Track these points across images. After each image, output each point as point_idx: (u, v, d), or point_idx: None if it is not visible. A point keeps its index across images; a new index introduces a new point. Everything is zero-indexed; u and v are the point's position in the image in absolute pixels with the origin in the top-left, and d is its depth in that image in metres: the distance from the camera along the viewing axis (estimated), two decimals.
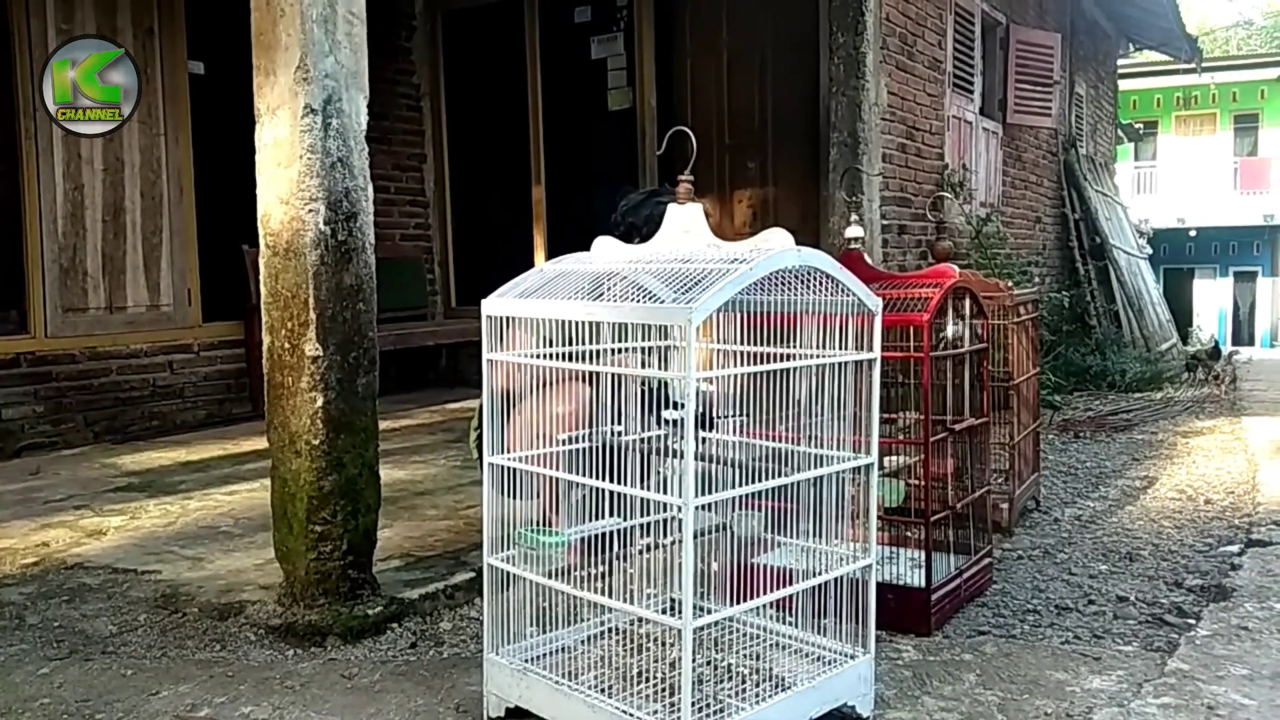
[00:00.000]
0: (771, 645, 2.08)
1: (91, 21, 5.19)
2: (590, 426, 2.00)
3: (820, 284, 1.91)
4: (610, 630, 2.11)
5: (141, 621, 2.66)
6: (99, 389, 5.24)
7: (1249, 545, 3.32)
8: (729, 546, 2.00)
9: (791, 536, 2.03)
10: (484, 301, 2.03)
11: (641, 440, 2.03)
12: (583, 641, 2.08)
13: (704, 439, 2.07)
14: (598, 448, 1.90)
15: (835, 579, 2.00)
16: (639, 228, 2.82)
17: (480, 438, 2.32)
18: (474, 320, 2.48)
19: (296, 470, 2.54)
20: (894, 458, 2.74)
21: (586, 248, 2.52)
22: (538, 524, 2.02)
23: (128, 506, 3.77)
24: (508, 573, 2.02)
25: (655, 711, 1.80)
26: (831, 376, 1.97)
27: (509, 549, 2.03)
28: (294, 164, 2.49)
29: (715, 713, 1.81)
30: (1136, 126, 19.62)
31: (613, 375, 1.93)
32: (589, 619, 2.11)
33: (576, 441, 2.00)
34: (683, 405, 1.72)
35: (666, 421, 1.99)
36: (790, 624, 2.08)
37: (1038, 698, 2.18)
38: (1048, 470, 4.45)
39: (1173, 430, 5.68)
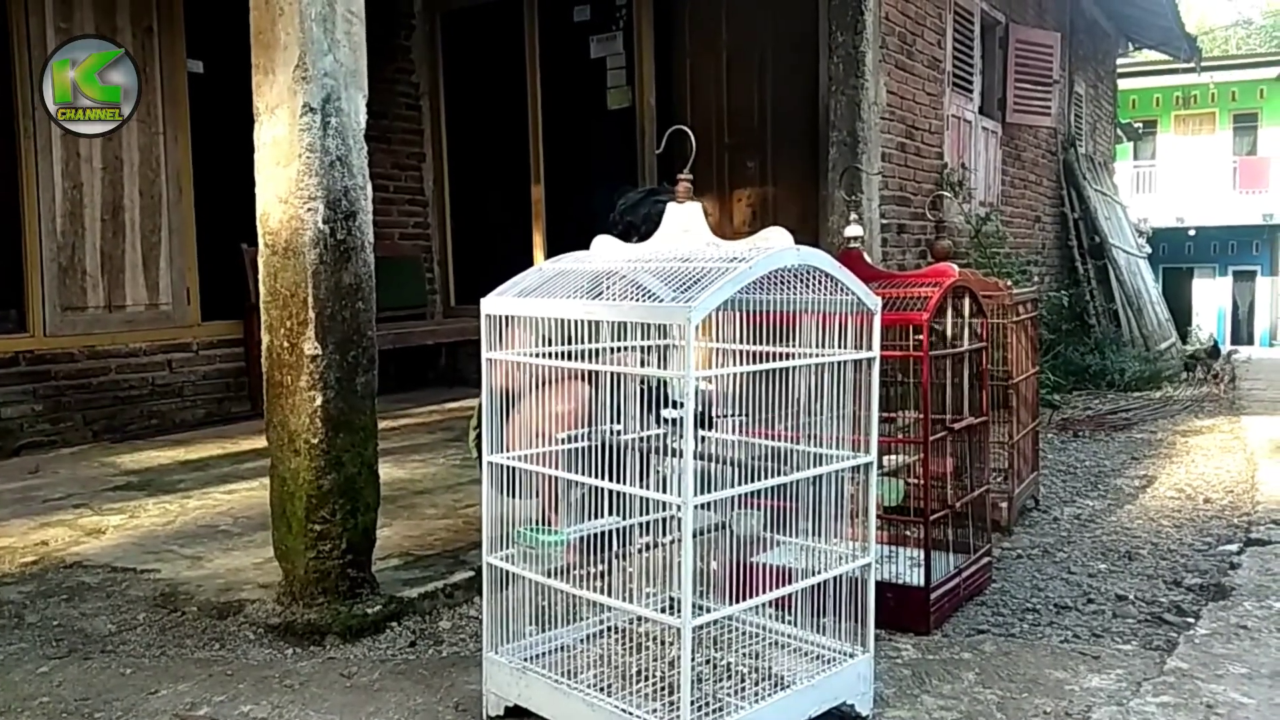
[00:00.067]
0: (771, 644, 2.08)
1: (90, 21, 5.19)
2: (589, 425, 2.00)
3: (820, 283, 1.91)
4: (609, 629, 2.11)
5: (140, 620, 2.66)
6: (98, 388, 5.24)
7: (1248, 544, 3.33)
8: (728, 545, 2.00)
9: (791, 535, 2.03)
10: (483, 300, 2.03)
11: (641, 439, 2.04)
12: (582, 640, 2.08)
13: (703, 438, 2.07)
14: (597, 446, 1.90)
15: (834, 578, 2.00)
16: (637, 226, 2.82)
17: (479, 436, 2.32)
18: (473, 319, 2.48)
19: (295, 469, 2.54)
20: (893, 457, 2.74)
21: (586, 247, 2.52)
22: (537, 523, 2.02)
23: (127, 505, 3.77)
24: (507, 571, 2.02)
25: (654, 710, 1.80)
26: (831, 375, 1.97)
27: (508, 548, 2.03)
28: (293, 163, 2.49)
29: (714, 711, 1.81)
30: (1136, 126, 19.65)
31: (612, 374, 1.93)
32: (588, 618, 2.11)
33: (576, 440, 2.00)
34: (682, 404, 1.72)
35: (666, 420, 1.99)
36: (789, 623, 2.08)
37: (1037, 696, 2.19)
38: (1047, 469, 4.45)
39: (1172, 429, 5.69)
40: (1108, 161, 11.85)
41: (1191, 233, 22.83)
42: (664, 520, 2.00)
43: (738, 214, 6.08)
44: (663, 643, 1.99)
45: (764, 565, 1.97)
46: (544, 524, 2.02)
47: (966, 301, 2.92)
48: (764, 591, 1.90)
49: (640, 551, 1.98)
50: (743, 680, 1.94)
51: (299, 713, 2.15)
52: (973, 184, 7.05)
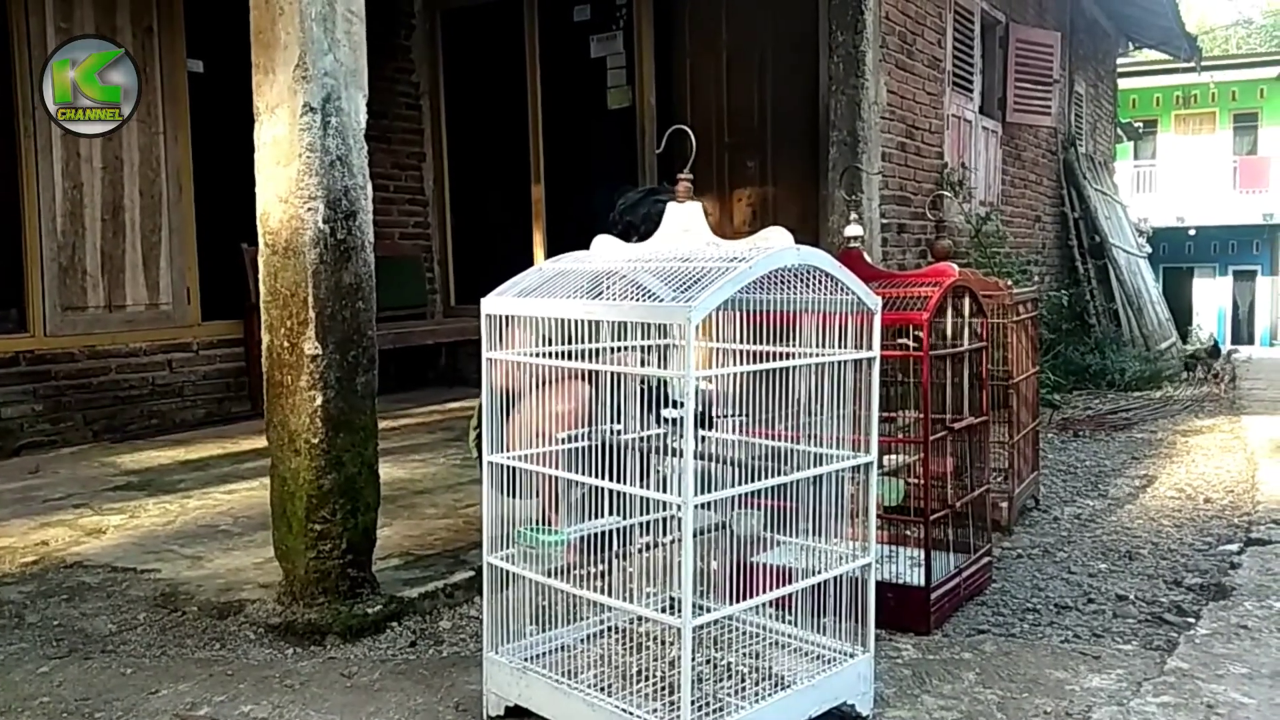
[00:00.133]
0: (771, 644, 2.08)
1: (91, 21, 5.19)
2: (589, 425, 2.00)
3: (820, 282, 1.91)
4: (610, 629, 2.11)
5: (141, 620, 2.66)
6: (98, 387, 5.24)
7: (1248, 544, 3.32)
8: (728, 545, 2.00)
9: (791, 535, 2.03)
10: (483, 300, 2.03)
11: (641, 439, 2.03)
12: (582, 640, 2.08)
13: (703, 437, 2.07)
14: (597, 446, 1.90)
15: (835, 578, 2.00)
16: (636, 226, 2.82)
17: (480, 436, 2.32)
18: (473, 319, 2.48)
19: (296, 469, 2.54)
20: (893, 456, 2.74)
21: (586, 246, 2.52)
22: (537, 522, 2.02)
23: (127, 505, 3.77)
24: (507, 571, 2.02)
25: (655, 710, 1.80)
26: (831, 375, 1.97)
27: (508, 547, 2.03)
28: (293, 162, 2.49)
29: (715, 711, 1.81)
30: (1136, 125, 19.64)
31: (612, 374, 1.93)
32: (588, 618, 2.11)
33: (576, 440, 2.00)
34: (682, 404, 1.72)
35: (666, 420, 1.99)
36: (790, 623, 2.08)
37: (1037, 696, 2.18)
38: (1047, 469, 4.45)
39: (1172, 429, 5.69)
40: (1108, 161, 11.85)
41: (1192, 232, 22.83)
42: (664, 520, 2.00)
43: (738, 214, 6.08)
44: (663, 642, 1.99)
45: (764, 565, 1.97)
46: (544, 524, 2.02)
47: (967, 301, 2.92)
48: (764, 591, 1.90)
49: (640, 551, 1.97)
50: (743, 680, 1.94)
51: (299, 712, 2.15)
52: (973, 183, 7.05)
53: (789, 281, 1.88)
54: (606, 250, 2.53)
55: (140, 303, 5.44)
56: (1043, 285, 8.06)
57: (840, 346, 1.97)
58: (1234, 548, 3.29)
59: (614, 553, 1.97)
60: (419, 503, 3.70)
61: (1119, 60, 12.55)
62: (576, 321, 1.91)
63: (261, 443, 2.90)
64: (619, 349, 1.97)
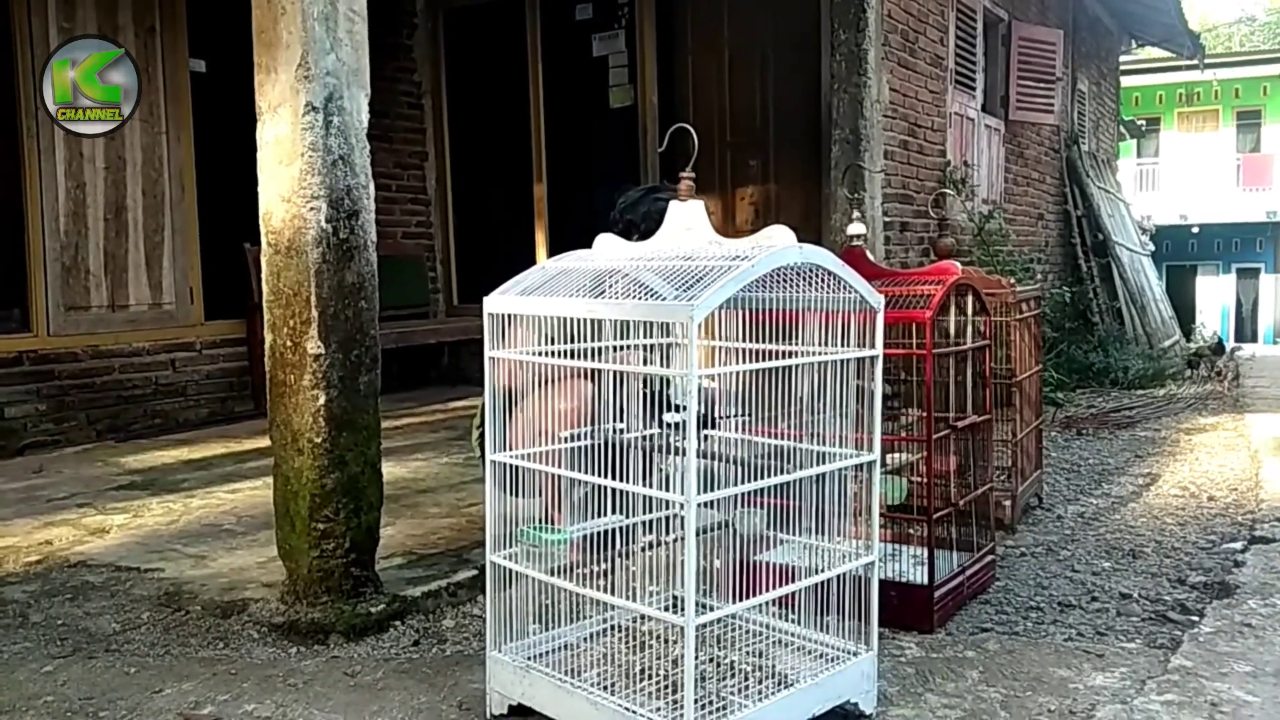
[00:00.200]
0: (774, 642, 2.08)
1: (93, 20, 5.19)
2: (592, 424, 2.00)
3: (822, 281, 1.91)
4: (613, 628, 2.12)
5: (145, 619, 2.66)
6: (101, 387, 5.24)
7: (1252, 542, 3.32)
8: (731, 544, 2.00)
9: (794, 534, 2.03)
10: (486, 299, 2.03)
11: (644, 437, 2.03)
12: (585, 639, 2.08)
13: (706, 436, 2.07)
14: (600, 445, 1.90)
15: (838, 576, 2.00)
16: (637, 224, 2.82)
17: (483, 435, 2.32)
18: (476, 318, 2.48)
19: (299, 468, 2.54)
20: (896, 455, 2.74)
21: (588, 245, 2.51)
22: (540, 521, 2.02)
23: (130, 505, 3.77)
24: (510, 570, 2.02)
25: (658, 709, 1.80)
26: (834, 374, 1.97)
27: (511, 546, 2.03)
28: (295, 162, 2.49)
29: (718, 710, 1.81)
30: (1139, 123, 19.60)
31: (614, 372, 1.93)
32: (591, 616, 2.11)
33: (579, 439, 2.00)
34: (682, 408, 1.72)
35: (666, 425, 1.99)
36: (793, 621, 2.08)
37: (1041, 694, 2.18)
38: (1050, 467, 4.45)
39: (1175, 427, 5.68)
40: (1111, 159, 11.84)
41: (1195, 230, 22.80)
42: (667, 519, 2.00)
43: (741, 212, 6.08)
44: (666, 641, 1.99)
45: (767, 563, 1.97)
46: (547, 522, 2.02)
47: (970, 299, 2.91)
48: (767, 590, 1.90)
49: (643, 550, 1.98)
50: (746, 679, 1.94)
51: (303, 711, 2.15)
52: (975, 181, 7.04)
53: (792, 280, 1.88)
54: (608, 249, 2.53)
55: (143, 302, 5.45)
56: (1046, 283, 8.05)
57: (843, 345, 1.97)
58: (1238, 546, 3.28)
59: (617, 551, 1.97)
60: (422, 502, 3.70)
61: (1122, 58, 12.53)
62: (579, 320, 1.91)
63: (265, 442, 2.90)
64: (622, 348, 1.96)
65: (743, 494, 1.86)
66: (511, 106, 6.84)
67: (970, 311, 2.92)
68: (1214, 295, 23.35)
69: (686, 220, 2.57)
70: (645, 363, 1.97)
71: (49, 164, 5.05)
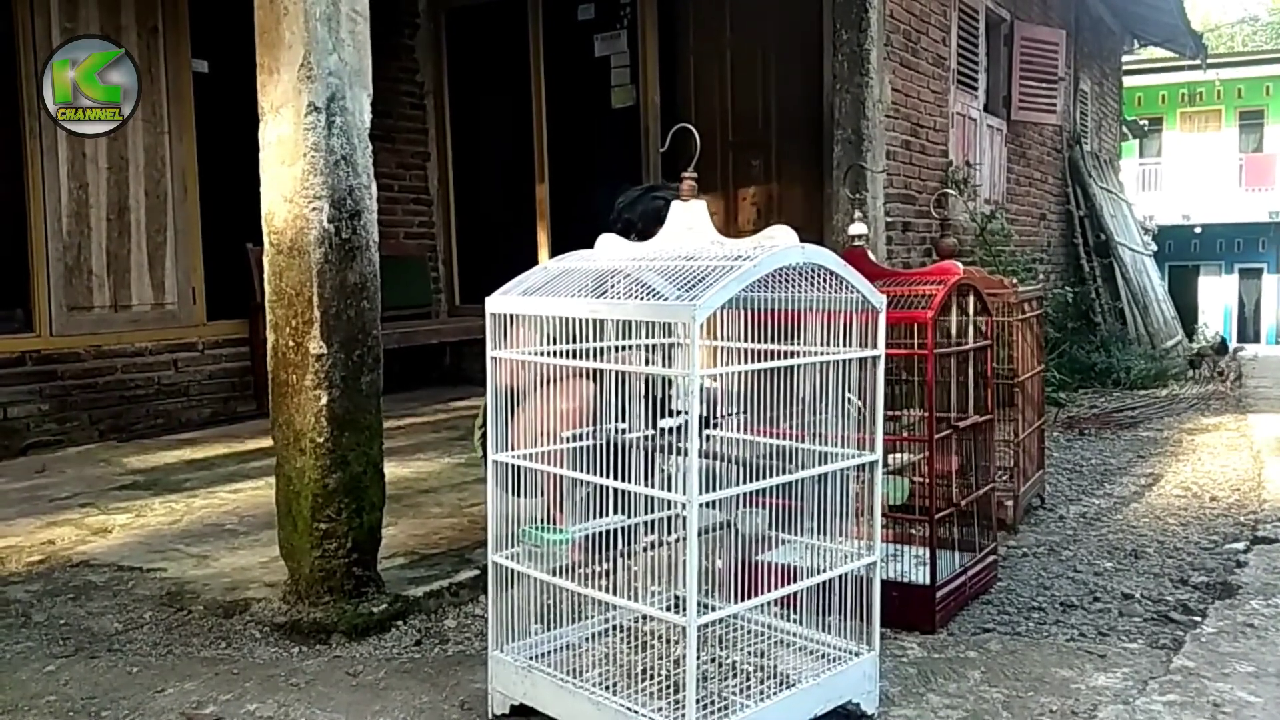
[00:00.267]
0: (776, 642, 2.08)
1: (95, 20, 5.19)
2: (594, 424, 2.00)
3: (824, 281, 1.91)
4: (615, 628, 2.11)
5: (147, 619, 2.67)
6: (104, 387, 5.25)
7: (1254, 542, 3.32)
8: (733, 544, 2.00)
9: (796, 534, 2.03)
10: (488, 299, 2.03)
11: (645, 437, 2.03)
12: (587, 639, 2.08)
13: (708, 436, 2.07)
14: (602, 445, 1.90)
15: (840, 576, 2.00)
16: (635, 223, 2.82)
17: (485, 435, 2.32)
18: (478, 318, 2.48)
19: (301, 468, 2.55)
20: (898, 455, 2.74)
21: (590, 245, 2.51)
22: (542, 521, 2.02)
23: (133, 504, 3.78)
24: (512, 570, 2.02)
25: (660, 709, 1.80)
26: (836, 374, 1.97)
27: (513, 546, 2.03)
28: (298, 162, 2.49)
29: (720, 710, 1.81)
30: (1141, 123, 19.58)
31: (617, 372, 1.93)
32: (593, 616, 2.11)
33: (581, 439, 2.00)
34: (682, 412, 1.72)
35: (666, 430, 1.98)
36: (795, 621, 2.08)
37: (1043, 695, 2.18)
38: (1052, 467, 4.44)
39: (1178, 427, 5.68)
40: (1113, 159, 11.83)
41: (1197, 230, 22.77)
42: (669, 519, 2.00)
43: (743, 212, 6.08)
44: (668, 641, 1.99)
45: (769, 564, 1.97)
46: (549, 522, 2.03)
47: (972, 299, 2.91)
48: (769, 590, 1.90)
49: (645, 550, 1.98)
50: (748, 679, 1.94)
51: (305, 711, 2.15)
52: (978, 181, 7.04)
53: (794, 280, 1.88)
54: (610, 249, 2.53)
55: (146, 302, 5.45)
56: (1048, 283, 8.05)
57: (845, 345, 1.97)
58: (1240, 546, 3.28)
59: (619, 551, 1.97)
60: (424, 502, 3.71)
61: (1124, 58, 12.52)
62: (581, 320, 1.91)
63: (267, 442, 2.90)
64: (624, 348, 1.96)
65: (745, 494, 1.86)
66: (514, 107, 6.85)
67: (972, 312, 2.91)
68: (1216, 295, 23.32)
69: (689, 220, 2.57)
70: (647, 363, 1.97)
71: (52, 164, 5.05)
